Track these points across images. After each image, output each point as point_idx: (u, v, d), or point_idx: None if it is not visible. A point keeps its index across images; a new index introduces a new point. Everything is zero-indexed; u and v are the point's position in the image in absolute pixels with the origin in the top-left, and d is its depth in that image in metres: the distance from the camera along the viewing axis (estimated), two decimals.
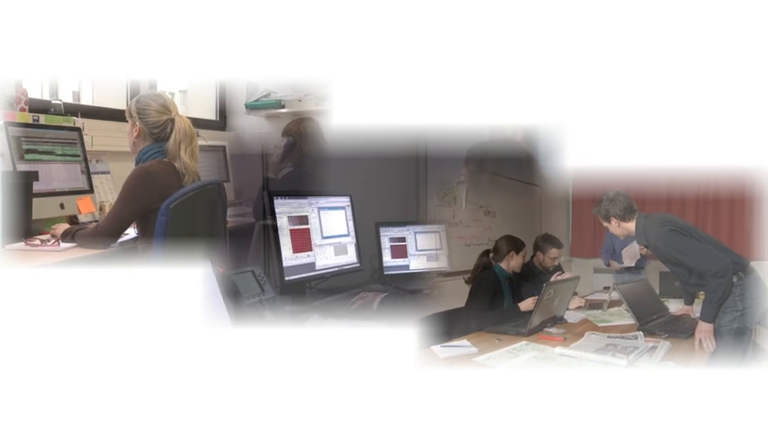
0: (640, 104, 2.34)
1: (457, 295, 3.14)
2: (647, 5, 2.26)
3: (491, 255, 3.18)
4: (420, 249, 3.40)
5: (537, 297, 2.76)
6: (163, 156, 2.31)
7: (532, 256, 3.61)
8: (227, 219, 2.53)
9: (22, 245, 2.09)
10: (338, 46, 2.30)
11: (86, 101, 3.26)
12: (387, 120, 2.37)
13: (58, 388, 1.69)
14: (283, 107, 3.85)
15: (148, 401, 1.72)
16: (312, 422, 1.73)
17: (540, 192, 4.80)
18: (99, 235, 2.17)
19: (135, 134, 2.36)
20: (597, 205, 2.82)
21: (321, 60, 2.33)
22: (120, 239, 2.25)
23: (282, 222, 2.64)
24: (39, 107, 2.66)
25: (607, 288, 3.58)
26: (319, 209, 2.85)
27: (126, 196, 2.20)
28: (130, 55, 2.30)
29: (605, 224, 2.83)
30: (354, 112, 2.40)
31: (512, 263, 3.14)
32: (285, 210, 2.66)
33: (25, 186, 2.21)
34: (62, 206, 2.51)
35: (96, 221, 2.51)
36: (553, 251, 3.57)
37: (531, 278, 3.41)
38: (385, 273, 3.25)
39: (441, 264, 3.47)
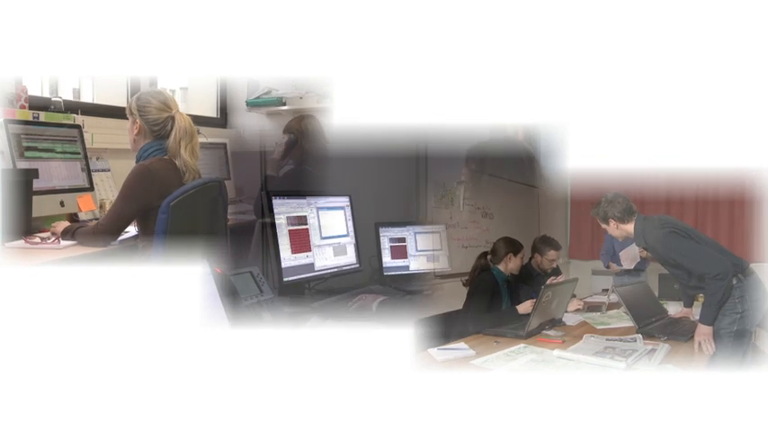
0: (639, 105, 2.33)
1: (455, 297, 3.14)
2: (647, 6, 2.25)
3: (489, 257, 3.18)
4: (420, 250, 3.39)
5: (535, 299, 2.75)
6: (163, 153, 2.30)
7: (530, 258, 3.61)
8: (228, 216, 2.53)
9: (22, 243, 2.08)
10: (339, 43, 2.29)
11: (86, 98, 3.26)
12: (387, 119, 2.36)
13: (57, 386, 1.69)
14: (284, 104, 3.83)
15: (146, 401, 1.71)
16: (308, 425, 1.73)
17: (539, 193, 4.80)
18: (99, 233, 2.16)
19: (135, 131, 2.35)
20: (595, 207, 2.82)
21: (322, 58, 2.32)
22: (121, 237, 2.25)
23: (281, 222, 2.63)
24: (39, 104, 2.65)
25: (606, 290, 3.58)
26: (318, 209, 2.84)
27: (126, 194, 2.20)
28: (131, 52, 2.29)
29: (604, 226, 2.83)
30: (355, 111, 2.39)
31: (510, 265, 3.14)
32: (284, 210, 2.66)
33: (25, 184, 2.21)
34: (62, 204, 2.50)
35: (96, 219, 2.51)
36: (551, 253, 3.57)
37: (529, 280, 3.41)
38: (385, 273, 3.25)
39: (441, 264, 3.46)
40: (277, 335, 1.90)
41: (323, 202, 2.88)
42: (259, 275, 2.46)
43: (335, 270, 2.86)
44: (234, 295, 2.26)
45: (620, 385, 1.90)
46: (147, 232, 2.20)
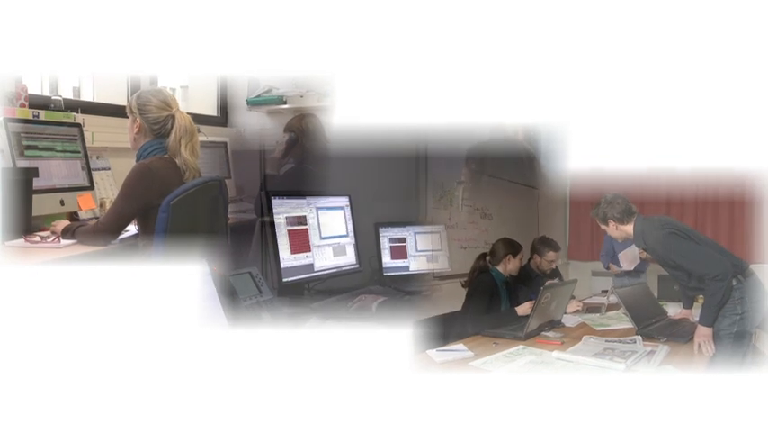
0: (639, 105, 2.34)
1: (455, 297, 3.13)
2: (647, 7, 2.25)
3: (488, 258, 3.17)
4: (420, 250, 3.38)
5: (534, 301, 2.75)
6: (163, 152, 2.30)
7: (529, 260, 3.60)
8: (229, 215, 2.52)
9: (21, 242, 2.08)
10: (340, 42, 2.29)
11: (87, 97, 3.25)
12: (387, 118, 2.36)
13: (58, 385, 1.68)
14: (285, 103, 3.83)
15: (145, 400, 1.71)
16: (305, 427, 1.72)
17: (538, 194, 4.79)
18: (99, 232, 2.16)
19: (135, 130, 2.35)
20: (595, 208, 2.81)
21: (323, 56, 2.32)
22: (121, 236, 2.25)
23: (280, 223, 2.63)
24: (39, 103, 2.65)
25: (605, 291, 3.57)
26: (318, 209, 2.83)
27: (126, 193, 2.20)
28: (131, 50, 2.29)
29: (603, 227, 2.82)
30: (355, 110, 2.39)
31: (509, 266, 3.13)
32: (283, 210, 2.65)
33: (25, 183, 2.21)
34: (62, 203, 2.50)
35: (97, 218, 2.51)
36: (550, 254, 3.56)
37: (528, 281, 3.40)
38: (384, 274, 3.24)
39: (441, 265, 3.46)
40: (273, 336, 1.90)
41: (322, 202, 2.88)
42: (258, 276, 2.46)
43: (335, 270, 2.86)
44: (233, 296, 2.26)
45: (620, 387, 1.90)
46: (147, 231, 2.20)
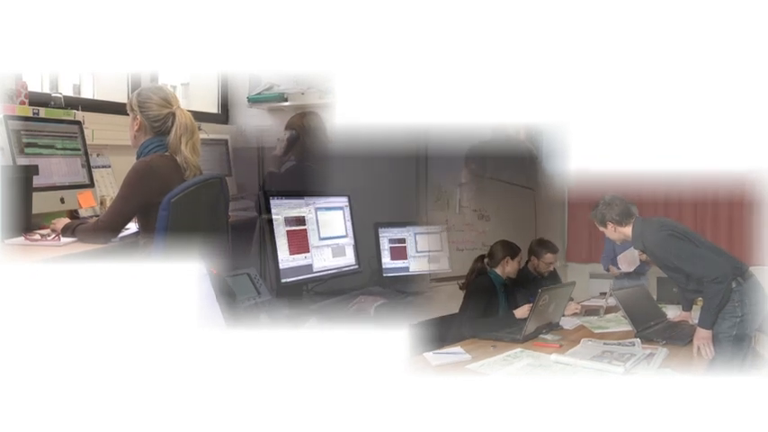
0: (638, 106, 2.33)
1: (455, 299, 3.11)
2: (647, 8, 2.25)
3: (486, 260, 3.15)
4: (420, 251, 3.37)
5: (532, 304, 2.74)
6: (164, 150, 2.30)
7: (527, 262, 3.57)
8: (229, 213, 2.52)
9: (21, 239, 2.08)
10: (341, 39, 2.29)
11: (87, 94, 3.25)
12: (388, 117, 2.36)
13: (58, 384, 1.68)
14: (286, 100, 3.83)
15: (143, 399, 1.71)
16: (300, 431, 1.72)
17: (536, 195, 4.77)
18: (100, 230, 2.16)
19: (136, 128, 2.35)
20: (593, 210, 2.79)
21: (324, 54, 2.32)
22: (122, 234, 2.24)
23: (279, 223, 2.61)
24: (39, 100, 2.64)
25: (604, 294, 3.55)
26: (317, 209, 2.83)
27: (127, 191, 2.19)
28: (131, 47, 2.29)
29: (602, 229, 2.80)
30: (356, 109, 2.39)
31: (507, 268, 3.11)
32: (281, 210, 2.64)
33: (25, 180, 2.20)
34: (62, 200, 2.50)
35: (97, 216, 2.51)
36: (548, 256, 3.54)
37: (526, 284, 3.37)
38: (384, 275, 3.23)
39: (441, 266, 3.45)
40: (266, 337, 1.88)
41: (321, 202, 2.87)
42: (256, 277, 2.46)
43: (334, 271, 2.85)
44: (231, 297, 2.26)
45: (618, 390, 1.90)
46: (147, 229, 2.20)
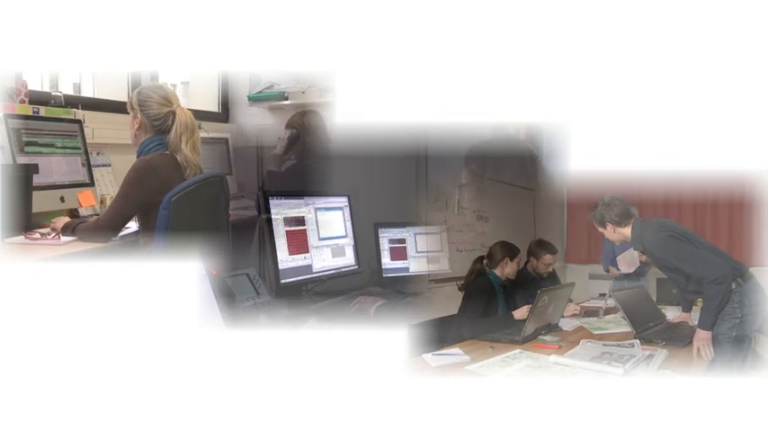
0: (638, 106, 2.33)
1: (455, 300, 3.10)
2: (647, 9, 2.25)
3: (485, 261, 3.14)
4: (420, 251, 3.37)
5: (531, 305, 2.73)
6: (164, 148, 2.30)
7: (526, 263, 3.56)
8: (230, 212, 2.52)
9: (21, 238, 2.07)
10: (342, 37, 2.29)
11: (87, 93, 3.25)
12: (389, 116, 2.36)
13: (57, 382, 1.68)
14: (286, 99, 3.82)
15: (142, 398, 1.71)
16: None
17: (535, 196, 4.77)
18: (100, 228, 2.15)
19: (136, 126, 2.35)
20: (592, 210, 2.78)
21: (324, 52, 2.31)
22: (122, 233, 2.24)
23: (278, 223, 2.60)
24: (39, 99, 2.64)
25: (603, 295, 3.54)
26: (316, 209, 2.82)
27: (127, 189, 2.19)
28: (132, 46, 2.29)
29: (601, 230, 2.79)
30: (356, 107, 2.39)
31: (506, 270, 3.10)
32: (281, 210, 2.63)
33: (25, 179, 2.19)
34: (62, 199, 2.50)
35: (97, 215, 2.51)
36: (547, 257, 3.53)
37: (525, 284, 3.36)
38: (384, 275, 3.22)
39: (442, 266, 3.44)
40: (265, 338, 1.88)
41: (321, 202, 2.86)
42: (255, 277, 2.45)
43: (334, 272, 2.84)
44: (230, 297, 2.26)
45: (618, 391, 1.89)
46: (148, 228, 2.20)
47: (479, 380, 2.11)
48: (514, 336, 2.63)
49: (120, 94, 3.27)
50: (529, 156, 4.40)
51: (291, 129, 3.21)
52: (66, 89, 3.06)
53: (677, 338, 2.63)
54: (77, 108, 2.79)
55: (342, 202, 2.99)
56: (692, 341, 2.51)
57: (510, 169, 4.30)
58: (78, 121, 2.69)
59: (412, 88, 2.34)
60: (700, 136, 2.31)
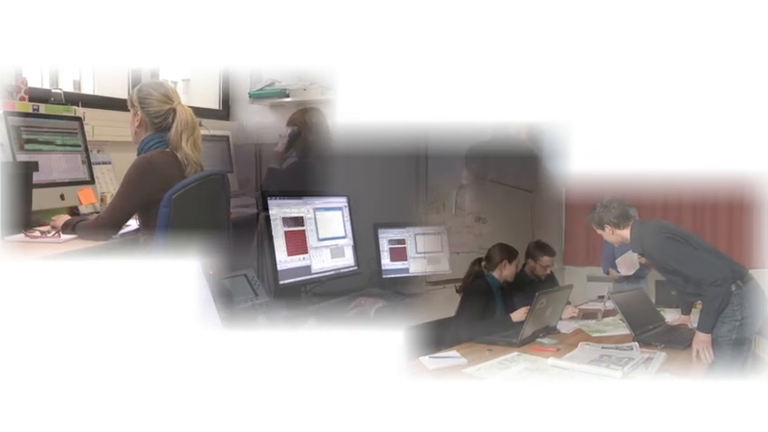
0: (637, 107, 2.33)
1: (455, 302, 3.10)
2: (648, 9, 2.25)
3: (483, 263, 3.13)
4: (420, 252, 3.35)
5: (529, 307, 2.71)
6: (165, 146, 2.29)
7: (524, 264, 3.54)
8: (231, 210, 2.52)
9: (21, 236, 2.07)
10: (343, 34, 2.29)
11: (87, 90, 3.24)
12: (390, 115, 2.36)
13: (57, 381, 1.68)
14: (288, 96, 3.82)
15: (142, 398, 1.71)
16: None
17: (533, 197, 4.74)
18: (100, 226, 2.15)
19: (136, 124, 2.35)
20: (591, 212, 2.77)
21: (326, 48, 2.31)
22: (122, 231, 2.24)
23: (277, 223, 2.59)
24: (39, 96, 2.63)
25: (601, 297, 3.52)
26: (315, 209, 2.81)
27: (127, 187, 2.19)
28: (132, 43, 2.29)
29: (599, 232, 2.78)
30: (357, 105, 2.39)
31: (504, 272, 3.09)
32: (280, 210, 2.62)
33: (25, 177, 2.19)
34: (62, 197, 2.49)
35: (97, 213, 2.50)
36: (545, 259, 3.51)
37: (523, 287, 3.35)
38: (384, 276, 3.21)
39: (442, 267, 3.43)
40: (260, 339, 1.87)
41: (320, 202, 2.85)
42: (254, 278, 2.44)
43: (333, 273, 2.83)
44: (228, 299, 2.25)
45: (616, 394, 1.88)
46: (148, 226, 2.19)
47: (476, 383, 2.10)
48: (512, 338, 2.61)
49: (120, 92, 3.26)
50: (530, 156, 4.39)
51: (293, 126, 3.21)
52: (67, 86, 3.05)
53: (676, 341, 2.62)
54: (77, 105, 2.79)
55: (341, 202, 2.98)
56: (691, 344, 2.50)
57: (511, 170, 4.28)
58: (78, 119, 2.68)
59: (413, 86, 2.34)
60: (700, 137, 2.31)
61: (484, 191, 4.08)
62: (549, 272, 3.59)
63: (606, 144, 2.39)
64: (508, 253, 3.11)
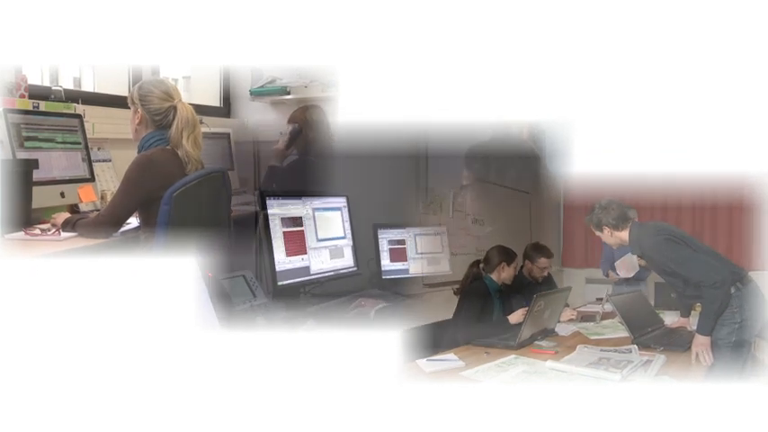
0: (636, 108, 2.33)
1: (452, 302, 3.09)
2: (649, 9, 2.25)
3: (481, 265, 3.11)
4: (420, 252, 3.34)
5: (527, 309, 2.71)
6: (165, 143, 2.29)
7: (521, 266, 3.53)
8: (231, 207, 2.52)
9: (21, 234, 2.07)
10: (344, 31, 2.28)
11: (87, 87, 3.23)
12: (391, 112, 2.36)
13: (57, 380, 1.68)
14: (289, 93, 3.81)
15: (142, 397, 1.71)
16: None
17: (532, 199, 4.73)
18: (100, 224, 2.15)
19: (137, 121, 2.34)
20: (589, 214, 2.75)
21: (327, 46, 2.31)
22: (123, 229, 2.24)
23: (275, 224, 2.57)
24: (39, 94, 2.63)
25: (600, 299, 3.51)
26: (314, 209, 2.79)
27: (128, 185, 2.19)
28: (132, 40, 2.28)
29: (598, 233, 2.76)
30: (358, 103, 2.38)
31: (503, 274, 3.07)
32: (278, 211, 2.61)
33: (25, 174, 2.19)
34: (62, 195, 2.49)
35: (97, 210, 2.50)
36: (542, 261, 3.47)
37: (521, 289, 3.33)
38: (383, 277, 3.20)
39: (443, 268, 3.41)
40: (258, 340, 1.87)
41: (319, 202, 2.84)
42: (252, 279, 2.43)
43: (332, 273, 2.82)
44: (226, 300, 2.24)
45: (615, 397, 1.88)
46: (149, 223, 2.19)
47: (474, 386, 2.09)
48: (510, 341, 2.59)
49: (120, 89, 3.26)
50: (531, 156, 4.38)
51: (294, 124, 3.20)
52: (67, 84, 3.04)
53: (675, 343, 2.62)
54: (78, 103, 2.79)
55: (340, 202, 2.97)
56: (690, 346, 2.50)
57: (512, 170, 4.27)
58: (78, 116, 2.68)
59: (414, 84, 2.33)
60: (699, 138, 2.31)
61: (483, 192, 4.07)
62: (546, 274, 3.57)
63: (606, 144, 2.39)
64: (506, 255, 3.10)
